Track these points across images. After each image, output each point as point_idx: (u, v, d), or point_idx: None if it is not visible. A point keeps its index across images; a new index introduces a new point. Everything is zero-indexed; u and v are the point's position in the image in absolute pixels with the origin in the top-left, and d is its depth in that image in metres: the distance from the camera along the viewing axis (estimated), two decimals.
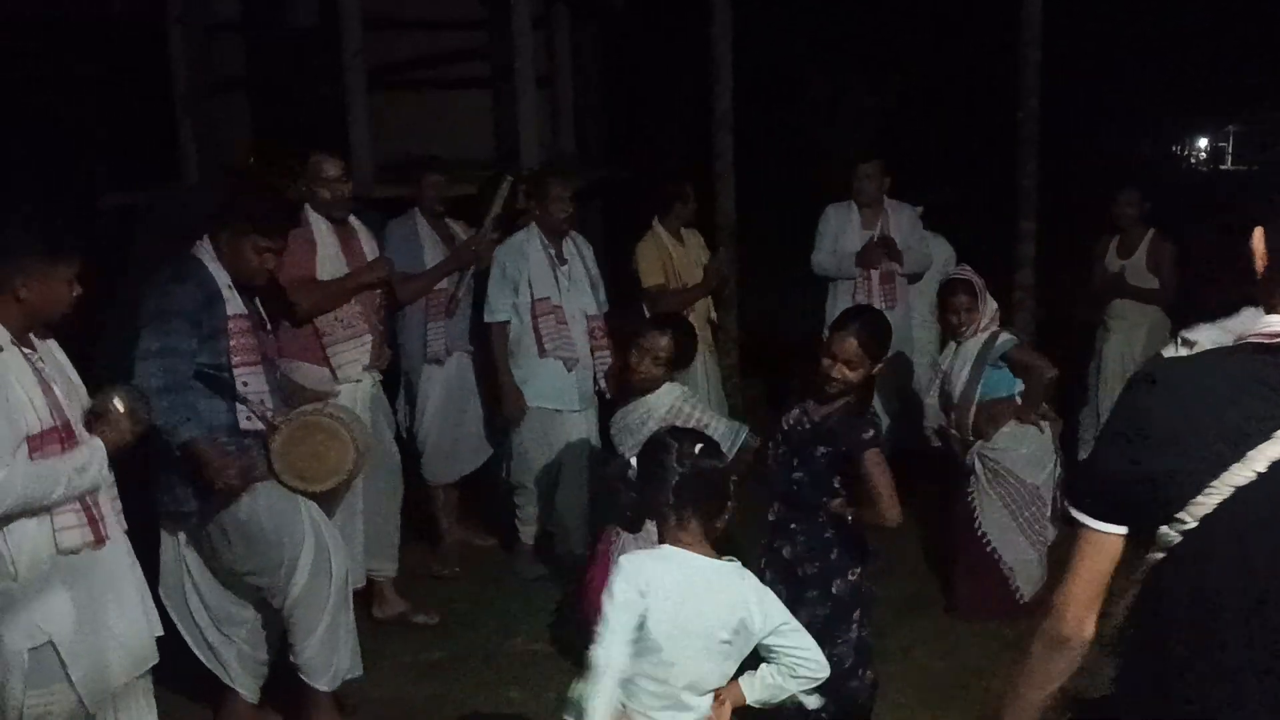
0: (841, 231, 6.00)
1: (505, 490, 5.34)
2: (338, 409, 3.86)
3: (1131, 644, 1.85)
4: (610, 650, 2.28)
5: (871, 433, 3.43)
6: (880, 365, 3.53)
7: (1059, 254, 7.12)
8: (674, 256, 5.76)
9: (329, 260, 4.50)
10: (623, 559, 2.42)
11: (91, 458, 2.93)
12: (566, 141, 9.20)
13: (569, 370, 5.06)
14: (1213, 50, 18.02)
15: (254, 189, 4.43)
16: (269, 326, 3.84)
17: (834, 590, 3.47)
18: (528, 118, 7.75)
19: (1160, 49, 16.51)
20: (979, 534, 4.77)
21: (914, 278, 6.09)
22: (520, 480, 5.21)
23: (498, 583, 5.27)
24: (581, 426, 5.16)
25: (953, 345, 4.92)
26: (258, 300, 3.80)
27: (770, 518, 3.59)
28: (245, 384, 3.57)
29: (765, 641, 2.42)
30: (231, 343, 3.55)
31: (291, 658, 3.74)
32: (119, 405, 3.03)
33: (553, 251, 5.08)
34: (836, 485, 3.48)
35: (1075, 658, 1.89)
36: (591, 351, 5.16)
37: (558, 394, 5.07)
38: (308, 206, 4.50)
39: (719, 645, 2.38)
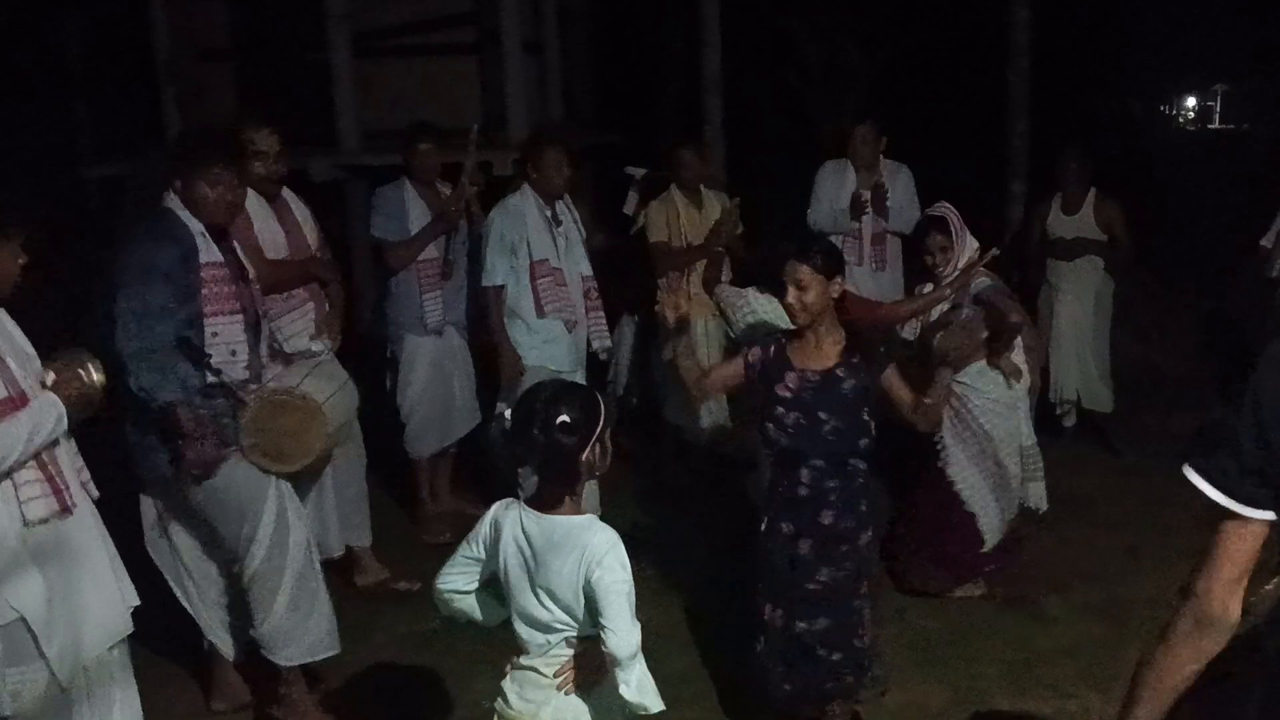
0: (839, 189, 6.00)
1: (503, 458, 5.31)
2: (312, 383, 3.76)
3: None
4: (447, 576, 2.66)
5: (882, 349, 3.63)
6: (838, 283, 3.52)
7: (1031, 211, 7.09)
8: (683, 217, 5.72)
9: (265, 234, 4.37)
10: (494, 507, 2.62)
11: (47, 411, 2.85)
12: (555, 106, 9.13)
13: (569, 331, 5.04)
14: (1201, 10, 17.94)
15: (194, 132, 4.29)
16: (250, 276, 3.74)
17: (861, 543, 3.54)
18: (515, 83, 7.68)
19: (1148, 8, 16.42)
20: (946, 480, 4.62)
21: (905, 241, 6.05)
22: None
23: None
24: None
25: (929, 287, 4.67)
26: (238, 249, 3.72)
27: (801, 493, 3.54)
28: (215, 334, 3.48)
29: (590, 590, 2.41)
30: (204, 291, 3.46)
31: (252, 632, 3.71)
32: (77, 371, 2.96)
33: (548, 214, 5.04)
34: (867, 419, 3.53)
35: (1223, 639, 1.82)
36: (586, 312, 5.14)
37: (556, 355, 5.05)
38: None
39: (567, 598, 2.45)
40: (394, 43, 8.60)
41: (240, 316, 3.56)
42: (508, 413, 2.51)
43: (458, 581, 2.65)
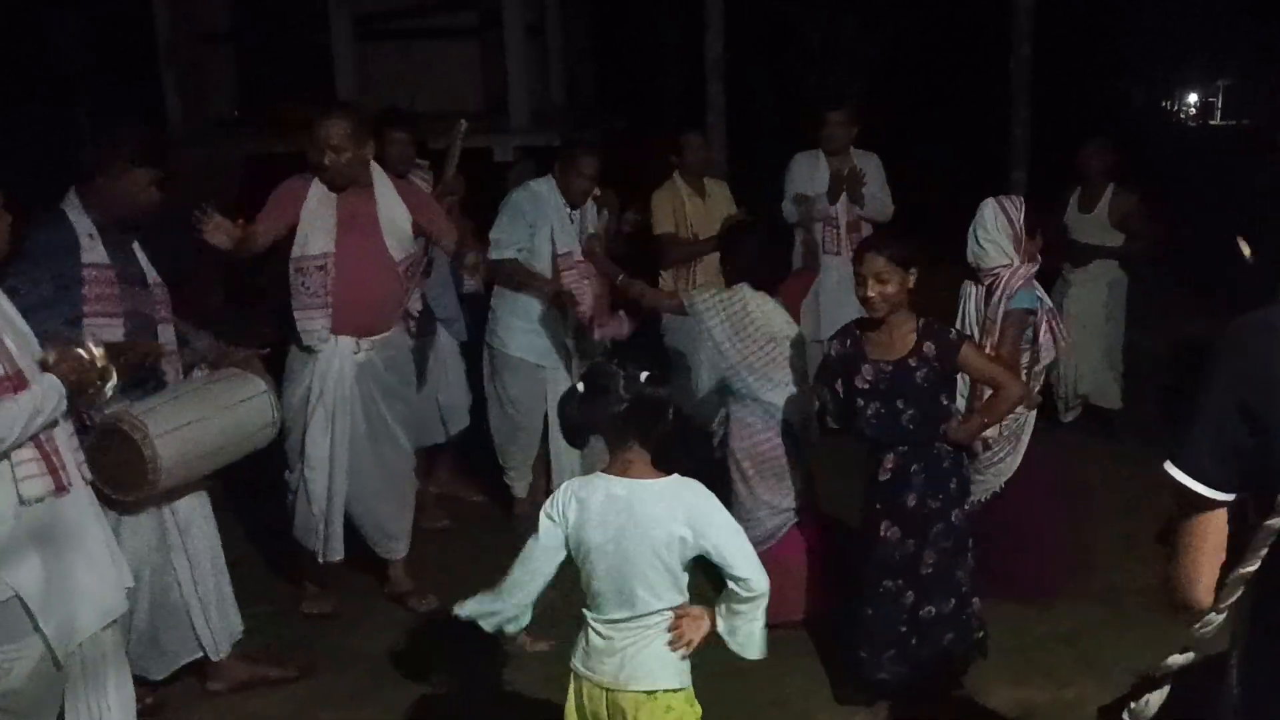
0: (810, 179, 5.97)
1: (496, 448, 5.30)
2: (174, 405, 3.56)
3: (1250, 617, 1.74)
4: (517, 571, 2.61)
5: (953, 333, 3.63)
6: (915, 273, 3.57)
7: (1050, 204, 7.09)
8: (688, 207, 5.69)
9: (311, 226, 4.16)
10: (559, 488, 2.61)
11: (49, 393, 2.85)
12: (557, 92, 9.12)
13: (561, 326, 5.03)
14: (1205, 4, 17.90)
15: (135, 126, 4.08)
16: (149, 282, 3.65)
17: (954, 520, 3.62)
18: (517, 68, 7.67)
19: (1153, 1, 16.39)
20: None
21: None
22: (506, 434, 5.19)
23: (490, 536, 5.25)
24: (565, 381, 5.13)
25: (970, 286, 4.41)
26: (142, 253, 3.64)
27: (883, 477, 3.64)
28: (92, 335, 3.33)
29: (703, 545, 2.49)
30: (84, 291, 3.42)
31: None
32: (76, 352, 2.95)
33: (568, 209, 5.05)
34: (945, 403, 3.64)
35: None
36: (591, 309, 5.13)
37: (546, 350, 5.06)
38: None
39: (658, 557, 2.49)
40: (395, 26, 8.58)
41: (121, 320, 3.49)
42: (580, 385, 2.58)
43: (530, 588, 2.61)
